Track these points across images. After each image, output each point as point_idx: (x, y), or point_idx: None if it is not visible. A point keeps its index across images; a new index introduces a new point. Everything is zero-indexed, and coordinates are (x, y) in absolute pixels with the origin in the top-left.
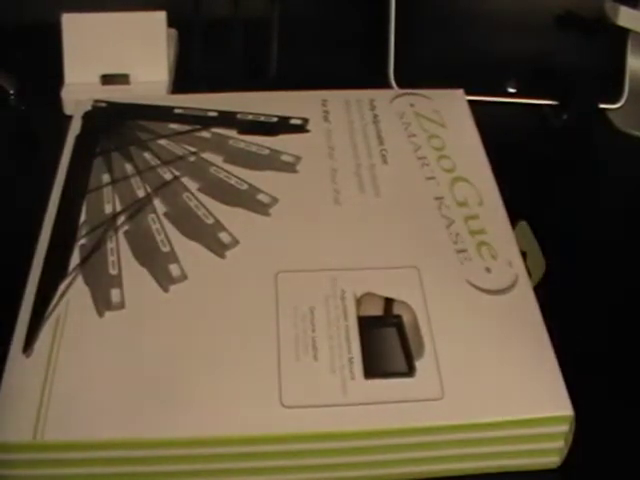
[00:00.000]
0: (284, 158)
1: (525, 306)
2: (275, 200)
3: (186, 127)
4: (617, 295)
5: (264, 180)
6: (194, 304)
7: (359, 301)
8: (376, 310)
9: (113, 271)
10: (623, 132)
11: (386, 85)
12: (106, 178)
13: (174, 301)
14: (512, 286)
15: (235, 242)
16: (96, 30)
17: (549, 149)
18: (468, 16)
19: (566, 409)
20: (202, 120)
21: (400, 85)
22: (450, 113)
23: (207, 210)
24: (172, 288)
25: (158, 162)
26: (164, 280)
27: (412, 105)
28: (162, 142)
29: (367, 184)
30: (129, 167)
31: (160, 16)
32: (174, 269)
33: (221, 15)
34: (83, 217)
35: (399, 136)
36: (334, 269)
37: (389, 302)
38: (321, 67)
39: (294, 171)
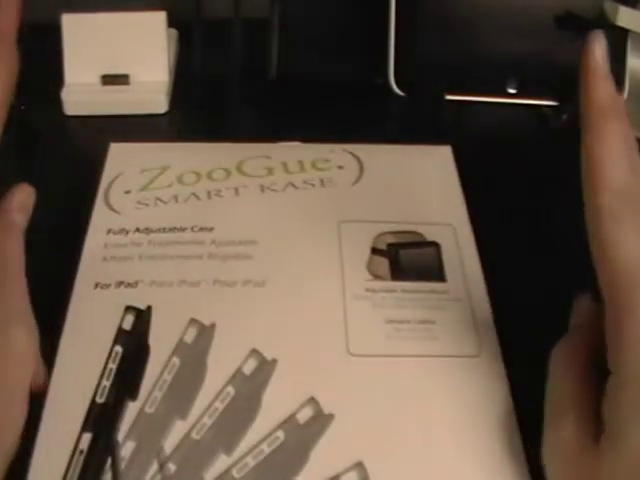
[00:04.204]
0: None
1: None
2: None
3: None
4: None
5: None
6: None
7: None
8: None
9: None
10: None
11: (386, 85)
12: None
13: None
14: None
15: None
16: (96, 30)
17: (549, 149)
18: (468, 16)
19: None
20: None
21: (400, 86)
22: None
23: None
24: None
25: None
26: None
27: None
28: None
29: None
30: None
31: (160, 16)
32: None
33: (221, 15)
34: None
35: None
36: None
37: None
38: (321, 67)
39: None
